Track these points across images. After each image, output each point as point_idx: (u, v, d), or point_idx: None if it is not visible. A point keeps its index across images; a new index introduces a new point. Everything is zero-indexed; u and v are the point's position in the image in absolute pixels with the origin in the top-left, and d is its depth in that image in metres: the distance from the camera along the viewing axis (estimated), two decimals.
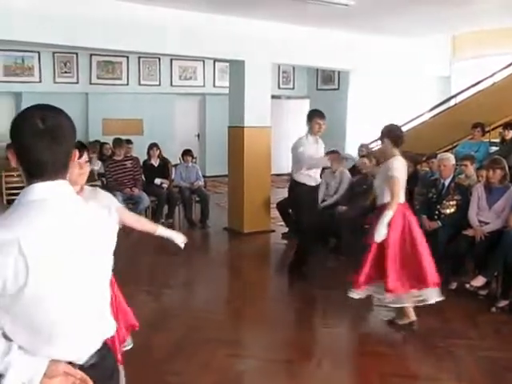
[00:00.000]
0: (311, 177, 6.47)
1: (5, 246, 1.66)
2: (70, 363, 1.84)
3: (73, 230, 1.85)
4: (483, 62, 11.66)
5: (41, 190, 1.81)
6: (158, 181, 9.61)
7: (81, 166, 3.10)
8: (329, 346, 4.96)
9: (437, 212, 6.46)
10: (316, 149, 6.52)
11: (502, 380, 4.28)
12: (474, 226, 6.11)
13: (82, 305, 1.89)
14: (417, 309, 5.12)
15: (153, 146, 9.97)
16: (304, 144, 6.49)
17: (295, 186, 6.60)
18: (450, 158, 6.55)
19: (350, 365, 4.65)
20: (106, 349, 2.04)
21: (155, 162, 9.89)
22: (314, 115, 6.54)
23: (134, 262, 7.72)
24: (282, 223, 9.16)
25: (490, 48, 11.19)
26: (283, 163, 15.73)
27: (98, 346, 1.96)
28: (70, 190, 1.92)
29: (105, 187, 8.92)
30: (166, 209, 9.77)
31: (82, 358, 1.89)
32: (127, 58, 12.58)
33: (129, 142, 9.99)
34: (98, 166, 9.11)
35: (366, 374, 4.44)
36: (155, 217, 9.63)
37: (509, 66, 10.06)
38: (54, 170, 1.83)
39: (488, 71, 10.43)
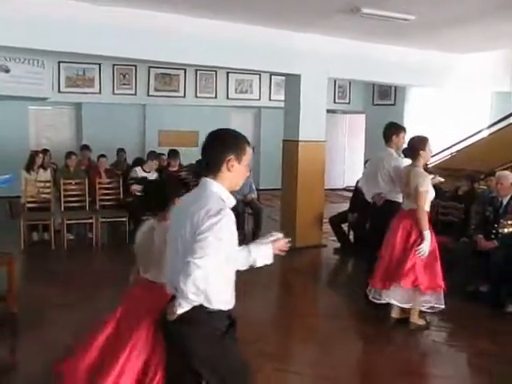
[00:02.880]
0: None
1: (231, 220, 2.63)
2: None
3: None
4: None
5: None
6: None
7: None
8: (378, 365, 4.87)
9: (494, 231, 6.29)
10: None
11: None
12: None
13: None
14: (470, 329, 4.99)
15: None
16: (402, 162, 6.04)
17: (390, 205, 6.04)
18: (509, 176, 6.38)
19: None
20: None
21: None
22: (401, 129, 6.20)
23: None
24: (334, 238, 9.08)
25: None
26: (337, 178, 15.67)
27: None
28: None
29: None
30: None
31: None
32: (184, 70, 12.76)
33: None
34: (153, 176, 9.23)
35: None
36: None
37: None
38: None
39: None
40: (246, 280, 7.80)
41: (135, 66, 12.18)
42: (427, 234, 5.27)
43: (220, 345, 2.76)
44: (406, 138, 6.12)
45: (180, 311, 2.58)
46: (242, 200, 9.69)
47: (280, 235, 3.25)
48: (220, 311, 2.70)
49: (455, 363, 4.99)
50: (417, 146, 5.49)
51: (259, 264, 2.98)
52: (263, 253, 3.02)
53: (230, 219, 2.61)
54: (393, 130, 6.14)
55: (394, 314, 5.63)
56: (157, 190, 3.67)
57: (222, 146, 2.77)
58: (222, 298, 2.71)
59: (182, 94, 12.99)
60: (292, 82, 8.93)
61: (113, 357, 3.25)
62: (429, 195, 5.36)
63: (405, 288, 5.37)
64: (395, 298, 5.49)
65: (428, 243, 5.26)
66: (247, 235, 9.62)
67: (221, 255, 2.57)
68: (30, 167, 9.01)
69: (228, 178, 2.77)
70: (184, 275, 2.49)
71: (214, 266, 2.54)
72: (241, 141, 2.83)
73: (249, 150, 2.86)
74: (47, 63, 11.33)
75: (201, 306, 2.61)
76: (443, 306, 5.29)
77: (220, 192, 2.72)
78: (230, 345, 2.85)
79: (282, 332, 5.73)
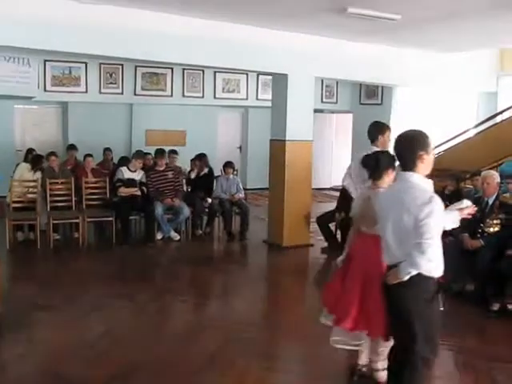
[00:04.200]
0: None
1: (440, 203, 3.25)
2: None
3: None
4: None
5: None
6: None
7: None
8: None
9: (480, 230, 6.31)
10: None
11: None
12: None
13: None
14: (457, 328, 5.01)
15: (201, 156, 10.16)
16: None
17: None
18: (494, 176, 6.41)
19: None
20: None
21: (193, 174, 10.01)
22: (387, 128, 6.13)
23: (171, 272, 7.78)
24: (321, 238, 9.09)
25: None
26: (324, 178, 15.69)
27: None
28: None
29: (146, 197, 9.04)
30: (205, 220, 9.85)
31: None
32: (172, 69, 12.71)
33: (174, 152, 10.10)
34: (139, 175, 9.20)
35: None
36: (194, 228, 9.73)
37: None
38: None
39: None
40: (233, 279, 7.85)
41: (122, 65, 12.12)
42: None
43: (430, 304, 3.39)
44: (394, 137, 6.12)
45: (406, 278, 3.28)
46: (229, 199, 9.69)
47: (469, 203, 3.77)
48: (432, 278, 3.33)
49: (442, 362, 4.99)
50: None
51: (448, 227, 3.64)
52: (452, 218, 3.68)
53: (439, 203, 3.25)
54: (378, 129, 6.10)
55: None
56: (373, 162, 4.26)
57: (414, 145, 3.39)
58: (436, 267, 3.31)
59: (169, 94, 12.94)
60: (279, 82, 8.93)
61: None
62: None
63: None
64: None
65: None
66: (234, 235, 9.63)
67: (439, 233, 3.27)
68: (34, 167, 9.04)
69: (422, 169, 3.39)
70: (419, 252, 3.19)
71: (436, 243, 3.24)
72: (425, 137, 3.43)
73: (431, 141, 3.45)
74: (33, 62, 11.24)
75: (418, 274, 3.27)
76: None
77: (421, 182, 3.37)
78: (436, 305, 3.50)
79: (269, 330, 5.72)
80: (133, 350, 4.93)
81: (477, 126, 11.30)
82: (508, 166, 8.17)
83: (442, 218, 3.33)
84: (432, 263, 3.25)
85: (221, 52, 8.11)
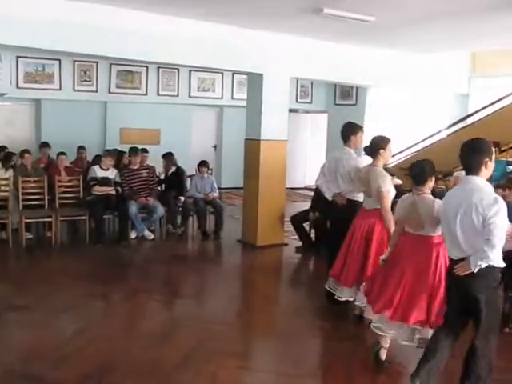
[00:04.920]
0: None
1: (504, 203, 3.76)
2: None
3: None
4: (503, 80, 11.59)
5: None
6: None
7: None
8: (339, 362, 4.90)
9: None
10: None
11: None
12: None
13: None
14: None
15: (167, 155, 10.11)
16: (361, 162, 6.03)
17: (351, 206, 6.06)
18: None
19: (359, 381, 4.59)
20: None
21: (167, 172, 9.97)
22: (359, 129, 6.18)
23: (145, 271, 7.75)
24: (296, 237, 9.14)
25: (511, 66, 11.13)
26: (299, 177, 15.76)
27: None
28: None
29: (120, 196, 8.99)
30: (179, 219, 9.81)
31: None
32: (147, 68, 12.64)
33: (144, 150, 10.03)
34: (113, 174, 9.15)
35: None
36: (168, 227, 9.70)
37: None
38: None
39: (508, 90, 10.36)
40: (208, 278, 7.84)
41: (96, 62, 12.01)
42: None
43: (496, 291, 3.87)
44: (365, 137, 6.17)
45: (476, 269, 3.74)
46: (204, 199, 9.69)
47: None
48: (498, 268, 3.81)
49: (416, 359, 5.06)
50: (378, 145, 5.53)
51: None
52: None
53: (503, 203, 3.72)
54: (350, 129, 6.14)
55: (358, 311, 5.70)
56: (419, 170, 4.65)
57: (482, 152, 3.85)
58: (500, 258, 3.80)
59: (144, 92, 12.86)
60: (254, 81, 8.95)
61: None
62: (390, 194, 5.43)
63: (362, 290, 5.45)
64: (351, 296, 5.59)
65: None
66: (209, 234, 9.63)
67: (505, 229, 3.76)
68: (4, 165, 8.92)
69: (485, 174, 3.86)
70: (490, 247, 3.68)
71: (503, 238, 3.76)
72: (490, 145, 3.94)
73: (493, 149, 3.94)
74: (5, 58, 11.08)
75: (486, 265, 3.74)
76: None
77: (485, 185, 3.83)
78: (500, 292, 3.94)
79: (243, 330, 5.75)
80: (106, 350, 4.91)
81: (449, 127, 11.44)
82: None
83: (506, 217, 3.78)
84: (499, 254, 3.76)
85: (196, 51, 8.09)
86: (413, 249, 4.64)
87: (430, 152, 10.41)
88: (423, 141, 11.41)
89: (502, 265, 3.82)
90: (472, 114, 11.32)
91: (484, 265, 3.74)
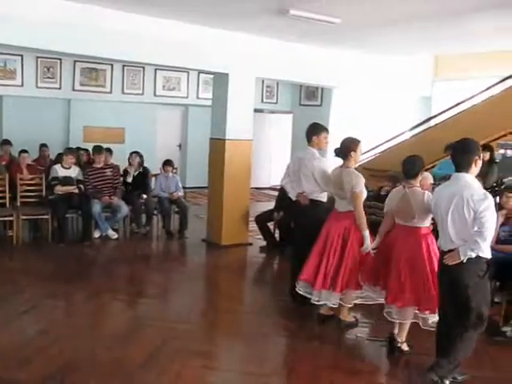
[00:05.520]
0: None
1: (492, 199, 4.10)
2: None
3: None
4: (465, 83, 11.82)
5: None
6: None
7: None
8: (303, 360, 4.94)
9: None
10: None
11: None
12: None
13: None
14: (388, 326, 5.14)
15: (132, 153, 9.98)
16: (325, 163, 6.10)
17: (314, 206, 6.07)
18: (428, 177, 6.58)
19: (324, 380, 4.62)
20: None
21: (134, 171, 9.85)
22: (322, 129, 6.17)
23: (109, 271, 7.69)
24: (260, 236, 9.16)
25: (473, 70, 11.36)
26: (264, 177, 15.80)
27: None
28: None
29: (83, 195, 8.89)
30: (144, 218, 9.75)
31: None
32: (111, 65, 12.53)
33: (108, 150, 9.91)
34: (75, 172, 9.03)
35: None
36: (132, 226, 9.63)
37: (488, 89, 10.21)
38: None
39: (470, 93, 10.56)
40: (172, 277, 7.81)
41: (60, 59, 11.84)
42: (366, 233, 5.38)
43: (483, 280, 4.16)
44: (330, 138, 6.21)
45: (465, 258, 4.04)
46: (169, 198, 9.65)
47: None
48: (485, 258, 4.09)
49: (378, 357, 5.15)
50: (349, 147, 5.57)
51: None
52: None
53: (492, 199, 4.05)
54: (313, 130, 6.16)
55: (323, 311, 5.76)
56: (410, 165, 4.96)
57: (471, 150, 4.16)
58: (488, 249, 4.11)
59: (109, 90, 12.74)
60: (220, 81, 8.95)
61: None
62: (363, 195, 5.48)
63: (337, 291, 5.48)
64: (327, 298, 5.56)
65: (369, 242, 5.35)
66: (173, 233, 9.59)
67: (494, 222, 4.10)
68: None
69: (474, 171, 4.18)
70: (481, 238, 3.99)
71: (492, 230, 4.10)
72: (479, 145, 4.26)
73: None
74: None
75: (475, 256, 4.05)
76: (382, 299, 5.27)
77: (474, 182, 4.15)
78: (487, 281, 4.27)
79: (208, 329, 5.75)
80: (70, 350, 4.86)
81: (412, 128, 11.61)
82: (439, 169, 8.41)
83: (495, 211, 4.12)
84: (488, 247, 4.09)
85: (162, 50, 8.05)
86: (404, 239, 4.91)
87: (393, 153, 10.55)
88: (387, 142, 11.55)
89: (489, 256, 4.11)
90: (434, 117, 11.50)
91: (473, 255, 4.04)
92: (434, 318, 4.80)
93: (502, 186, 7.34)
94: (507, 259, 5.57)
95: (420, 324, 4.93)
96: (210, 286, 7.57)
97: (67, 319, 5.87)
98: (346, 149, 5.58)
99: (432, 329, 4.77)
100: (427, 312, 4.84)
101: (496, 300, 5.65)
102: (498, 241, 5.91)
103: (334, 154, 5.74)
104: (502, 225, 6.02)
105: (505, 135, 9.26)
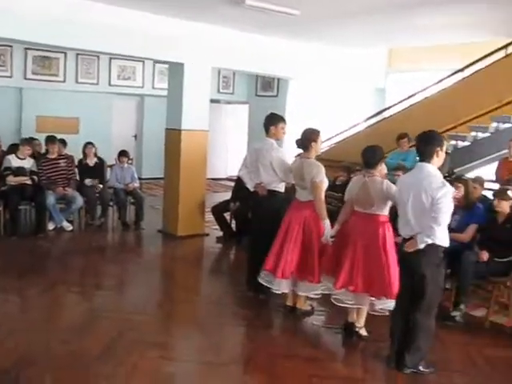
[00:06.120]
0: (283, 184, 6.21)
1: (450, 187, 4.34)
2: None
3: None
4: (418, 76, 12.06)
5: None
6: (88, 182, 9.39)
7: None
8: (261, 349, 4.98)
9: None
10: None
11: None
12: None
13: None
14: (342, 314, 5.23)
15: (88, 144, 9.82)
16: (283, 153, 6.12)
17: (272, 196, 6.08)
18: (382, 168, 6.71)
19: (281, 368, 4.68)
20: None
21: (91, 162, 9.71)
22: (280, 120, 6.18)
23: (63, 263, 7.59)
24: (217, 227, 9.18)
25: (425, 63, 11.61)
26: (220, 168, 15.79)
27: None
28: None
29: (37, 186, 8.74)
30: (99, 210, 9.64)
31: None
32: (65, 54, 12.32)
33: (62, 141, 9.72)
34: (29, 163, 8.86)
35: (296, 378, 4.49)
36: (87, 217, 9.52)
37: (440, 81, 10.42)
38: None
39: (422, 85, 10.77)
40: (128, 269, 7.77)
41: (11, 46, 11.58)
42: (327, 222, 5.44)
43: (439, 268, 4.39)
44: (287, 129, 6.24)
45: (422, 246, 4.21)
46: (124, 189, 9.56)
47: None
48: (442, 246, 4.30)
49: (334, 345, 5.24)
50: (309, 138, 5.62)
51: None
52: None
53: (450, 187, 4.26)
54: (271, 120, 6.17)
55: (289, 302, 5.81)
56: (370, 154, 5.09)
57: (433, 142, 4.35)
58: (446, 238, 4.29)
59: (62, 79, 12.54)
60: (175, 71, 8.89)
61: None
62: (324, 185, 5.53)
63: (300, 279, 5.57)
64: (288, 288, 5.66)
65: (329, 231, 5.39)
66: (129, 225, 9.52)
67: (450, 210, 4.25)
68: None
69: (437, 162, 4.36)
70: (436, 224, 4.17)
71: (448, 218, 4.26)
72: (441, 137, 4.46)
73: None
74: None
75: (432, 243, 4.22)
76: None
77: (436, 171, 4.32)
78: (442, 269, 4.50)
79: (165, 320, 5.75)
80: (25, 344, 4.78)
81: (367, 119, 11.77)
82: (392, 159, 8.56)
83: (451, 200, 4.28)
84: (444, 234, 4.25)
85: (116, 38, 7.94)
86: (362, 226, 5.02)
87: (348, 144, 10.71)
88: (342, 133, 11.69)
89: (446, 244, 4.31)
90: (387, 108, 11.69)
91: (430, 241, 4.21)
92: (384, 305, 4.92)
93: (453, 176, 7.51)
94: (457, 247, 5.72)
95: (368, 309, 5.10)
96: (167, 277, 7.56)
97: (22, 313, 5.78)
98: (307, 140, 5.63)
99: (377, 313, 5.00)
100: (384, 298, 4.91)
101: (447, 286, 5.82)
102: (449, 229, 6.07)
103: (295, 146, 5.78)
104: (453, 214, 6.17)
105: (455, 127, 9.48)
